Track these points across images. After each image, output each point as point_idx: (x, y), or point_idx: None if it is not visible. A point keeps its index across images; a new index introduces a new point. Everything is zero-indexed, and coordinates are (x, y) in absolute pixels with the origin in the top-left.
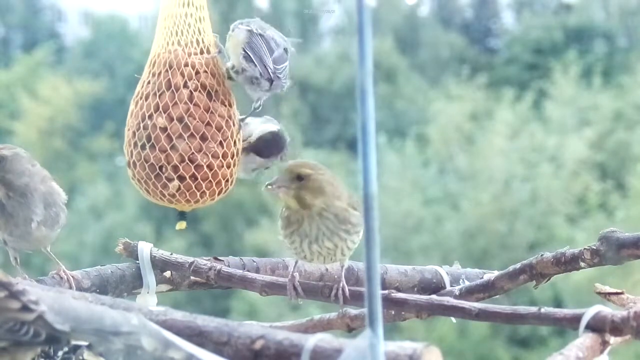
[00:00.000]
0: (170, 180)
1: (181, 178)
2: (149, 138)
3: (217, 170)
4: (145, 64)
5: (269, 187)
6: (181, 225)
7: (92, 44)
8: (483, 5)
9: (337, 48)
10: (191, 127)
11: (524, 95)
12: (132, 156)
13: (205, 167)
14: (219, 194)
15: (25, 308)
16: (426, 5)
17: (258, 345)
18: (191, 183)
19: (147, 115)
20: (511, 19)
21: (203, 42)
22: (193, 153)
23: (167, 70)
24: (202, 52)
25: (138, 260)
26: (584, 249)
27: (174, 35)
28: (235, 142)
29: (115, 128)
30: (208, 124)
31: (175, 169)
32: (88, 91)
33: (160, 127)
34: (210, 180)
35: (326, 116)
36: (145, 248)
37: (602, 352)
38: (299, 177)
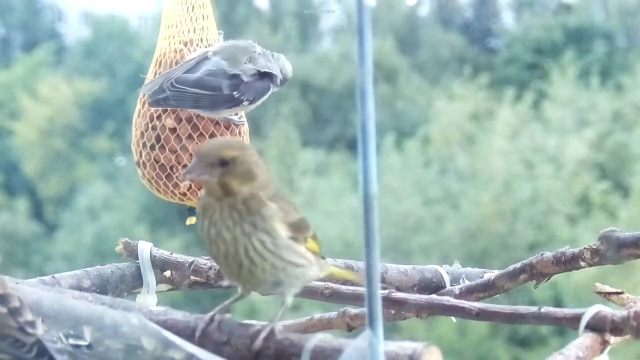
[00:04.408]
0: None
1: None
2: (158, 139)
3: None
4: (145, 63)
5: (184, 176)
6: (191, 220)
7: (92, 44)
8: (483, 5)
9: (337, 48)
10: (200, 127)
11: (524, 95)
12: (141, 156)
13: None
14: None
15: (22, 330)
16: (426, 5)
17: (258, 345)
18: None
19: (155, 115)
20: (511, 19)
21: (207, 40)
22: None
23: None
24: None
25: (138, 259)
26: (584, 248)
27: (178, 35)
28: (243, 139)
29: (115, 128)
30: (217, 122)
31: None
32: (88, 91)
33: (169, 128)
34: None
35: (326, 116)
36: (145, 248)
37: (602, 351)
38: (223, 162)
